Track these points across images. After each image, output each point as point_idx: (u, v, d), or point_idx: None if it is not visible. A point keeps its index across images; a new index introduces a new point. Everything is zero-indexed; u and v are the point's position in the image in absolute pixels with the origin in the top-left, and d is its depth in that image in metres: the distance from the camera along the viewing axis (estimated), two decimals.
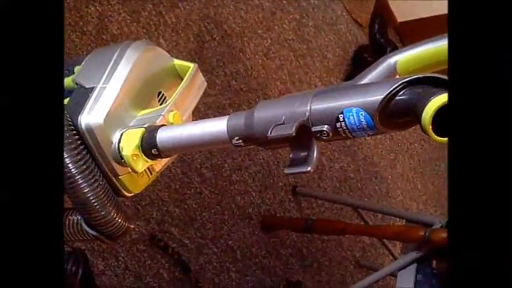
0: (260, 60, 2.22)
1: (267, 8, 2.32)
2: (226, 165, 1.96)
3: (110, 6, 1.68)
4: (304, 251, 2.28)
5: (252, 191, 2.06)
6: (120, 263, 1.57)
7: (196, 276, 1.77)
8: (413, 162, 3.18)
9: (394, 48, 2.75)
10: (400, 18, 3.06)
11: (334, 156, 2.52)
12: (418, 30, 2.90)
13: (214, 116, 1.94)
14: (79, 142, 0.74)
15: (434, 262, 1.73)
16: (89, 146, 0.76)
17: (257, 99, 2.16)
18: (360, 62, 2.74)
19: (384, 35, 2.91)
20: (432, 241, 1.66)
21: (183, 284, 1.74)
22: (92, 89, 0.78)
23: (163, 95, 0.86)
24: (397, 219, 2.33)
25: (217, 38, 2.03)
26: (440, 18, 2.71)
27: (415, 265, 1.75)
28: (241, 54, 2.13)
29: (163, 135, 0.75)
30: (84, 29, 1.60)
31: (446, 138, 0.58)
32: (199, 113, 1.87)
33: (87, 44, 1.60)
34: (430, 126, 0.57)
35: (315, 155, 0.66)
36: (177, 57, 1.83)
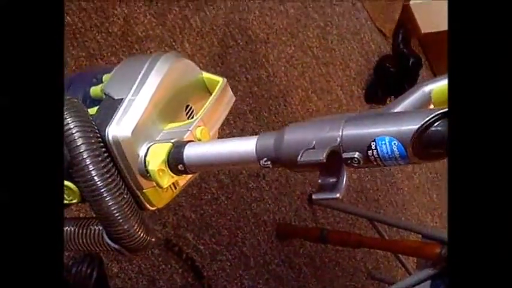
0: (283, 67, 2.21)
1: (292, 15, 2.31)
2: (244, 171, 1.96)
3: (136, 8, 1.68)
4: (317, 261, 2.27)
5: (268, 198, 2.05)
6: (134, 266, 1.57)
7: (209, 283, 1.77)
8: (430, 175, 3.16)
9: (417, 60, 2.74)
10: (424, 29, 3.04)
11: None
12: (442, 42, 2.88)
13: (234, 122, 1.94)
14: (106, 154, 0.74)
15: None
16: (115, 158, 0.75)
17: (278, 106, 2.15)
18: (382, 71, 2.72)
19: (407, 45, 2.89)
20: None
21: None
22: (120, 101, 0.78)
23: (191, 108, 0.85)
24: (413, 233, 2.30)
25: (241, 44, 2.03)
26: None
27: (429, 282, 1.74)
28: (264, 60, 2.12)
29: (190, 152, 0.74)
30: (110, 30, 1.59)
31: None
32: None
33: (112, 45, 1.60)
34: None
35: (344, 181, 0.65)
36: (200, 62, 1.84)
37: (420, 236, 1.96)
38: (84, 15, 1.54)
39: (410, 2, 2.95)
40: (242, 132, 1.94)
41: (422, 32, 3.05)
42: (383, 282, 2.52)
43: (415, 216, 2.99)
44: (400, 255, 2.35)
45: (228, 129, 1.89)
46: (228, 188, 1.89)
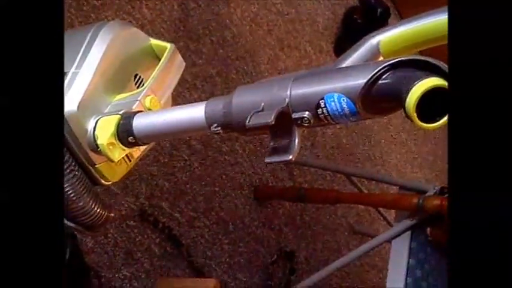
0: (248, 27, 2.18)
1: None
2: (216, 135, 1.93)
3: None
4: (297, 220, 2.27)
5: (243, 161, 2.04)
6: (109, 239, 1.56)
7: (188, 250, 1.76)
8: (406, 124, 3.15)
9: (385, 9, 2.71)
10: None
11: None
12: None
13: (202, 86, 1.90)
14: None
15: (428, 229, 1.71)
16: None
17: (245, 67, 2.12)
18: (349, 24, 2.69)
19: None
20: (426, 209, 1.64)
21: (174, 258, 1.73)
22: (64, 75, 0.75)
23: (140, 77, 0.82)
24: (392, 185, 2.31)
25: (202, 5, 1.98)
26: None
27: (409, 233, 1.74)
28: (227, 20, 2.08)
29: (139, 123, 0.72)
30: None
31: (432, 125, 0.55)
32: (186, 84, 1.84)
33: (67, 16, 1.55)
34: (415, 113, 0.54)
35: (296, 142, 0.63)
36: (161, 27, 1.80)
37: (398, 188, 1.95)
38: None
39: None
40: (211, 96, 1.91)
41: None
42: (365, 235, 2.53)
43: (394, 168, 2.99)
44: (380, 209, 2.35)
45: (196, 94, 1.86)
46: (201, 153, 1.87)
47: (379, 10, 2.72)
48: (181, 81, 1.84)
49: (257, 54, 2.20)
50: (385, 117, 2.96)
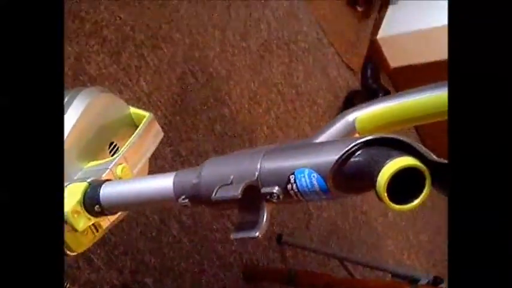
0: (246, 104, 2.17)
1: (255, 51, 2.28)
2: (207, 212, 1.90)
3: (88, 46, 1.63)
4: None
5: (233, 239, 1.99)
6: None
7: None
8: (406, 212, 3.11)
9: (387, 94, 2.72)
10: (393, 63, 3.03)
11: (322, 204, 2.45)
12: (412, 77, 2.86)
13: (196, 162, 1.88)
14: None
15: None
16: None
17: (242, 145, 2.10)
18: (351, 107, 2.69)
19: (376, 80, 2.87)
20: None
21: None
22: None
23: (116, 145, 0.80)
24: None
25: (201, 81, 1.98)
26: (433, 65, 2.68)
27: None
28: (226, 97, 2.08)
29: (106, 191, 0.69)
30: None
31: (404, 206, 0.52)
32: (180, 158, 1.81)
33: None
34: (385, 193, 0.51)
35: (264, 219, 0.60)
36: (158, 101, 1.79)
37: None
38: None
39: (378, 37, 2.94)
40: None
41: (391, 66, 3.04)
42: None
43: (390, 255, 2.93)
44: None
45: None
46: (191, 229, 1.83)
47: (380, 95, 2.73)
48: (175, 155, 1.83)
49: (254, 132, 2.18)
50: (383, 203, 2.91)
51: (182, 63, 1.93)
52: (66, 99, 0.77)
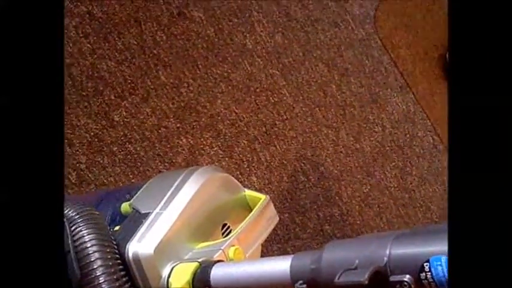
0: (357, 206, 2.10)
1: (368, 153, 2.23)
2: None
3: (202, 139, 1.64)
4: None
5: None
6: None
7: None
8: None
9: None
10: None
11: None
12: None
13: None
14: (123, 273, 0.65)
15: None
16: (135, 279, 0.67)
17: None
18: None
19: None
20: None
21: None
22: (146, 215, 0.70)
23: (228, 226, 0.76)
24: None
25: (312, 180, 1.95)
26: None
27: None
28: (337, 198, 2.03)
29: (217, 272, 0.65)
30: (173, 160, 1.55)
31: None
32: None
33: None
34: None
35: None
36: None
37: None
38: (147, 144, 1.51)
39: None
40: None
41: None
42: None
43: None
44: None
45: None
46: None
47: None
48: (282, 253, 1.77)
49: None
50: None
51: (294, 161, 1.90)
52: (181, 177, 0.74)
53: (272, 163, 1.83)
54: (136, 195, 0.76)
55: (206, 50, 1.73)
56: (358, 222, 2.08)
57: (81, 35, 1.44)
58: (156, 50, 1.60)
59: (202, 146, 1.64)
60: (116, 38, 1.52)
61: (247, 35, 1.88)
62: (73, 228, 0.65)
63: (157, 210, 0.70)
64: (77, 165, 1.34)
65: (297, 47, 2.06)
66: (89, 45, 1.45)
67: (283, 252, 1.75)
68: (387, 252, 0.54)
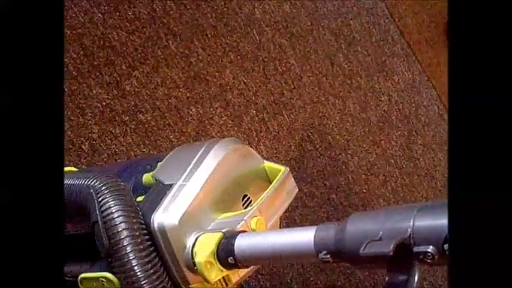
0: (363, 175, 2.12)
1: (375, 123, 2.24)
2: (319, 282, 1.83)
3: (212, 109, 1.65)
4: None
5: None
6: None
7: None
8: None
9: None
10: None
11: None
12: None
13: None
14: (149, 243, 0.67)
15: None
16: (160, 248, 0.68)
17: None
18: None
19: None
20: None
21: None
22: (170, 186, 0.72)
23: (248, 198, 0.78)
24: None
25: (319, 149, 1.96)
26: None
27: None
28: (343, 167, 2.04)
29: (242, 243, 0.66)
30: (183, 130, 1.57)
31: None
32: (295, 224, 1.78)
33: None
34: None
35: (415, 280, 0.55)
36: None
37: None
38: (158, 114, 1.52)
39: None
40: None
41: None
42: None
43: None
44: None
45: None
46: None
47: None
48: (290, 222, 1.79)
49: (370, 204, 2.12)
50: None
51: (301, 131, 1.92)
52: (203, 149, 0.76)
53: (280, 132, 1.84)
54: (159, 166, 0.77)
55: (215, 19, 1.73)
56: (364, 191, 2.10)
57: (92, 5, 1.44)
58: (166, 19, 1.60)
59: (211, 116, 1.65)
60: (127, 8, 1.52)
61: (256, 4, 1.88)
62: (100, 199, 0.67)
63: (180, 181, 0.72)
64: (90, 134, 1.36)
65: (305, 16, 2.06)
66: (100, 15, 1.46)
67: (290, 220, 1.77)
68: (411, 223, 0.55)
